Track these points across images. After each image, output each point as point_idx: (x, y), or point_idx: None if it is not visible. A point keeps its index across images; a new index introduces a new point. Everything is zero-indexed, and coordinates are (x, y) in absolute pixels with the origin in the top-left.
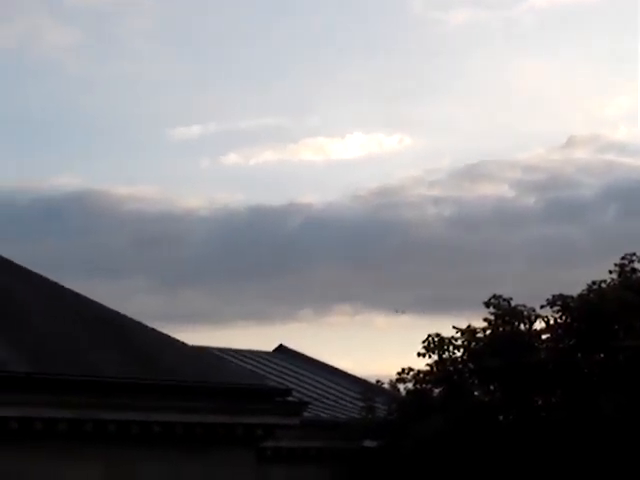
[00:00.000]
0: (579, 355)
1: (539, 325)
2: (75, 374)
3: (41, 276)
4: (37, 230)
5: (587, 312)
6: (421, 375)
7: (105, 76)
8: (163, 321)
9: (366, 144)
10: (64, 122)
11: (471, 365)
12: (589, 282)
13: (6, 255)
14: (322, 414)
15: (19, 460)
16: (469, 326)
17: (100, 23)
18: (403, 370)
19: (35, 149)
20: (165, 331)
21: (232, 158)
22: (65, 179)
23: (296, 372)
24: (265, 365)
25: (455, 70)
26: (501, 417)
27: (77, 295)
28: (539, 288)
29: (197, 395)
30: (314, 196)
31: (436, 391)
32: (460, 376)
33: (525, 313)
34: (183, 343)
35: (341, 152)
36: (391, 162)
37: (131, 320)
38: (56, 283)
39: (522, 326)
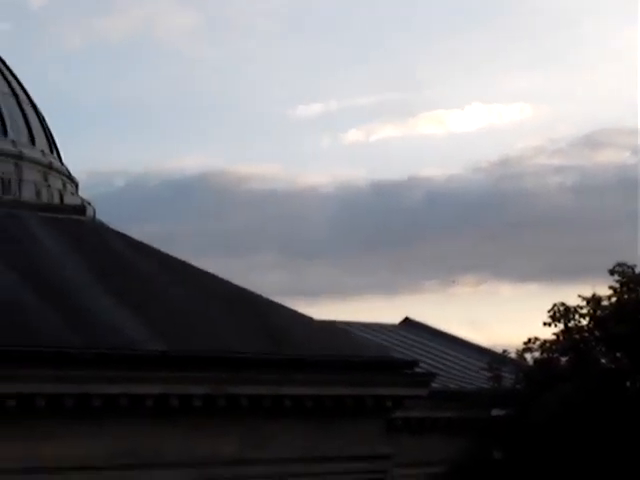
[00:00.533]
0: None
1: None
2: (208, 351)
3: (173, 257)
4: (166, 211)
5: None
6: (547, 344)
7: (225, 57)
8: (290, 296)
9: (486, 115)
10: (188, 104)
11: (597, 333)
12: None
13: (139, 236)
14: (450, 385)
15: (156, 435)
16: (594, 294)
17: (218, 5)
18: (529, 340)
19: (161, 132)
20: (292, 306)
21: (353, 134)
22: (191, 160)
23: (423, 344)
24: (392, 337)
25: (570, 40)
26: (628, 384)
27: (207, 274)
28: None
29: (326, 368)
30: (435, 169)
31: (563, 360)
32: (586, 344)
33: None
34: (311, 318)
35: (461, 124)
36: (511, 133)
37: (260, 297)
38: (187, 262)
39: None
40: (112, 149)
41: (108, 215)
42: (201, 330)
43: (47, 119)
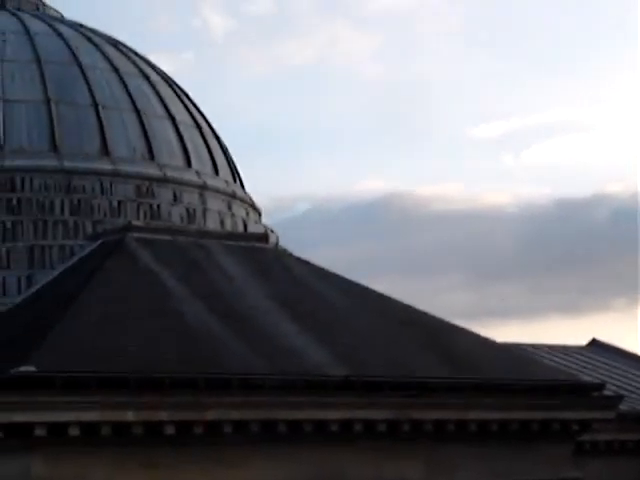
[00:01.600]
0: None
1: None
2: (391, 376)
3: (355, 282)
4: (349, 234)
5: None
6: None
7: (406, 78)
8: (474, 317)
9: None
10: (368, 126)
11: None
12: None
13: (321, 260)
14: (638, 407)
15: (341, 460)
16: None
17: (398, 27)
18: None
19: (344, 155)
20: (476, 327)
21: (535, 152)
22: (374, 183)
23: (610, 365)
24: (578, 359)
25: None
26: None
27: (389, 298)
28: None
29: (512, 392)
30: (620, 185)
31: None
32: None
33: None
34: (494, 341)
35: None
36: None
37: (442, 321)
38: (369, 288)
39: None
40: (295, 174)
41: (291, 239)
42: (384, 355)
43: (229, 147)
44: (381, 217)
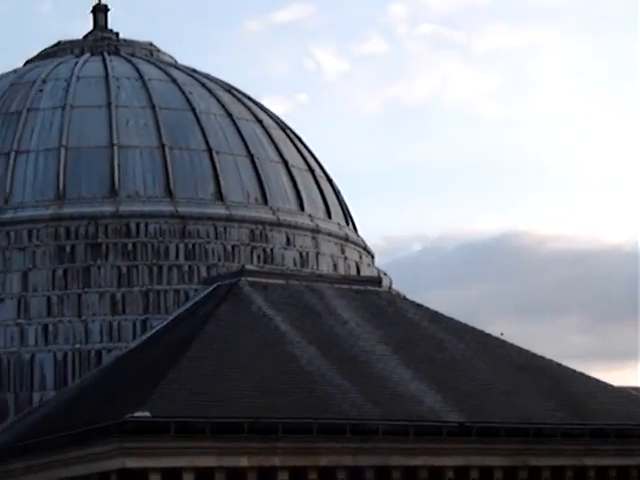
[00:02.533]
0: None
1: None
2: (506, 421)
3: (470, 326)
4: (464, 274)
5: None
6: None
7: (523, 117)
8: (591, 359)
9: None
10: (483, 164)
11: None
12: None
13: (435, 301)
14: None
15: None
16: None
17: (512, 65)
18: None
19: (459, 194)
20: (595, 369)
21: None
22: (489, 222)
23: None
24: None
25: None
26: None
27: (504, 342)
28: None
29: (630, 438)
30: None
31: None
32: None
33: None
34: (612, 386)
35: None
36: None
37: (558, 365)
38: (484, 331)
39: None
40: (409, 213)
41: (405, 279)
42: (500, 400)
43: (342, 188)
44: (497, 257)
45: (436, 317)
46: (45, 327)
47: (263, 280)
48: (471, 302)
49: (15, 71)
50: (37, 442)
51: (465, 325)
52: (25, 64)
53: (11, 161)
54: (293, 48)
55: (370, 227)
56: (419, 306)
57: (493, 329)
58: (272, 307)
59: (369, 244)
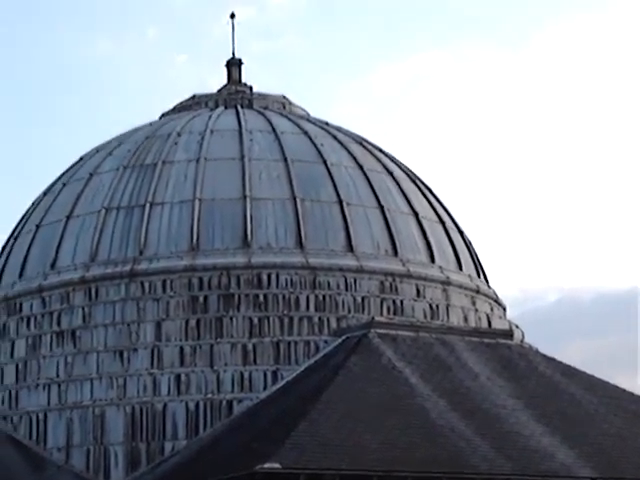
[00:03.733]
0: None
1: None
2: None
3: (602, 380)
4: (599, 326)
5: None
6: None
7: None
8: None
9: None
10: (619, 215)
11: None
12: None
13: (569, 353)
14: None
15: None
16: None
17: None
18: None
19: (595, 244)
20: None
21: None
22: (624, 272)
23: None
24: None
25: None
26: None
27: (636, 397)
28: None
29: None
30: None
31: None
32: None
33: None
34: None
35: None
36: None
37: None
38: (615, 385)
39: None
40: (544, 263)
41: (540, 330)
42: (633, 455)
43: (473, 240)
44: (634, 308)
45: (568, 371)
46: (178, 377)
47: (393, 332)
48: (606, 355)
49: (151, 124)
50: None
51: (598, 379)
52: (161, 117)
53: (146, 213)
54: (419, 100)
55: (503, 278)
56: (551, 359)
57: (627, 384)
58: (402, 359)
59: (502, 295)
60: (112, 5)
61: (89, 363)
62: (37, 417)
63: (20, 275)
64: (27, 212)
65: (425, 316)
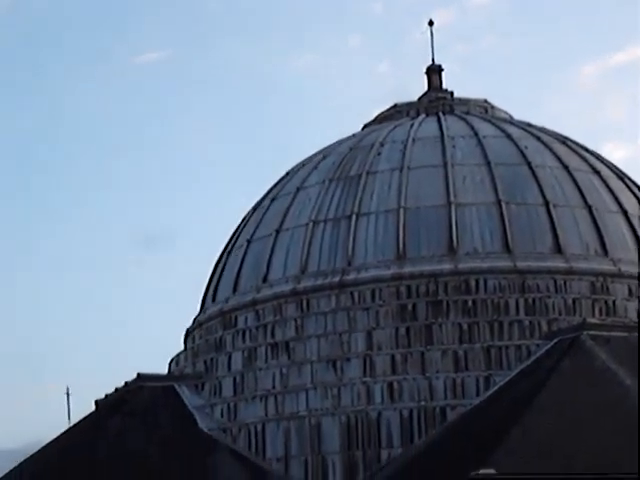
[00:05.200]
0: None
1: None
2: None
3: None
4: None
5: None
6: None
7: None
8: None
9: None
10: None
11: None
12: None
13: None
14: None
15: None
16: None
17: None
18: None
19: None
20: None
21: None
22: None
23: None
24: None
25: None
26: None
27: None
28: None
29: None
30: None
31: None
32: None
33: None
34: None
35: None
36: None
37: None
38: None
39: None
40: None
41: None
42: None
43: None
44: None
45: None
46: (390, 385)
47: (605, 333)
48: None
49: (354, 135)
50: None
51: None
52: (363, 128)
53: (352, 224)
54: (630, 90)
55: None
56: None
57: None
58: (615, 361)
59: None
60: (315, 15)
61: (303, 374)
62: (255, 428)
63: (234, 289)
64: (238, 227)
65: (638, 316)
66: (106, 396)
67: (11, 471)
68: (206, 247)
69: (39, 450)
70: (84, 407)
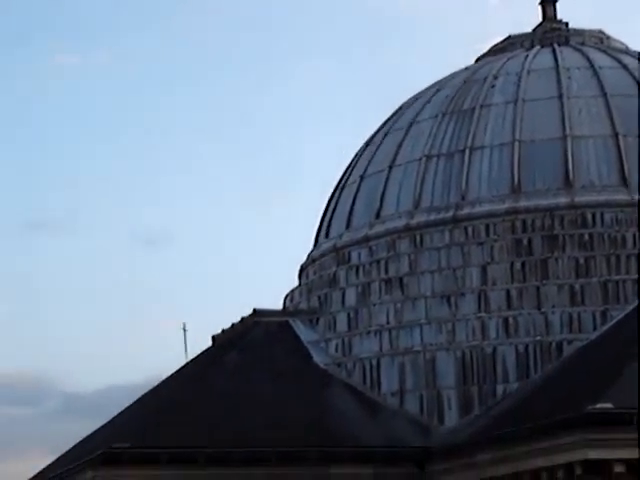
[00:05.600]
0: None
1: None
2: None
3: None
4: None
5: None
6: None
7: None
8: None
9: None
10: None
11: None
12: None
13: None
14: None
15: None
16: None
17: None
18: None
19: None
20: None
21: None
22: None
23: None
24: None
25: None
26: None
27: None
28: None
29: None
30: None
31: None
32: None
33: None
34: None
35: None
36: None
37: None
38: None
39: None
40: None
41: None
42: None
43: None
44: None
45: None
46: (505, 320)
47: None
48: None
49: (467, 68)
50: (501, 434)
51: None
52: (476, 60)
53: (466, 158)
54: None
55: None
56: None
57: None
58: None
59: None
60: None
61: (417, 309)
62: (370, 363)
63: (347, 225)
64: (351, 163)
65: None
66: (223, 331)
67: (132, 405)
68: (320, 183)
69: (159, 384)
70: (201, 343)
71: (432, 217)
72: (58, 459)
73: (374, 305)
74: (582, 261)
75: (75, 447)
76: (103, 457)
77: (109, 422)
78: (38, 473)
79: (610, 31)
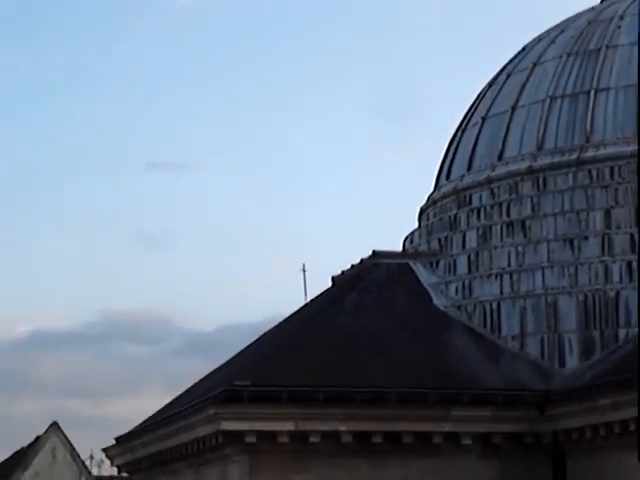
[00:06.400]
0: None
1: None
2: None
3: None
4: None
5: None
6: None
7: None
8: None
9: None
10: None
11: None
12: None
13: None
14: None
15: None
16: None
17: None
18: None
19: None
20: None
21: None
22: None
23: None
24: None
25: None
26: None
27: None
28: None
29: None
30: None
31: None
32: None
33: None
34: None
35: None
36: None
37: None
38: None
39: None
40: None
41: None
42: None
43: None
44: None
45: None
46: (629, 264)
47: None
48: None
49: (593, 8)
50: (623, 379)
51: None
52: (602, 1)
53: (591, 99)
54: None
55: None
56: None
57: None
58: None
59: None
60: None
61: (540, 252)
62: (490, 306)
63: (468, 167)
64: (473, 105)
65: None
66: (342, 273)
67: (253, 344)
68: (441, 125)
69: (279, 324)
70: (320, 284)
71: (556, 159)
72: (179, 396)
73: (495, 248)
74: None
75: (196, 385)
76: (225, 395)
77: (229, 361)
78: (159, 410)
79: None
